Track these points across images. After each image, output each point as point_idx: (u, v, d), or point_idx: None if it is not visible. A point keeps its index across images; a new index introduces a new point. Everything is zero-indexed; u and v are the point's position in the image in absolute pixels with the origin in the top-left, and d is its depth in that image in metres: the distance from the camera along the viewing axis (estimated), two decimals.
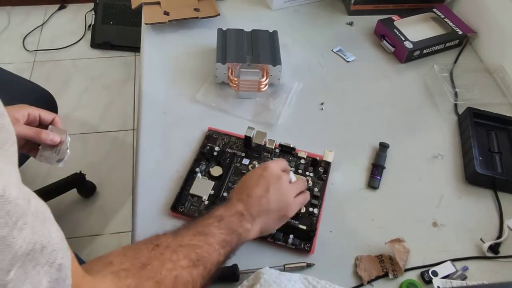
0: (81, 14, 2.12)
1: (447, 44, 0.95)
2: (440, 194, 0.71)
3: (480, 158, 0.73)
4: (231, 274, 0.58)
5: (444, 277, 0.60)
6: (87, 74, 1.87)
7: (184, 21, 0.96)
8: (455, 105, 0.84)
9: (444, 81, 0.87)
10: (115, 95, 1.80)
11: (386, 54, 0.95)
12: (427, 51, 0.93)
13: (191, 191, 0.67)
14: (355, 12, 1.04)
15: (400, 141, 0.77)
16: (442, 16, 0.99)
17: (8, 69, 1.14)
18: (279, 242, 0.62)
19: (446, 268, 0.61)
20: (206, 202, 0.66)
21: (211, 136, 0.75)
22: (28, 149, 0.65)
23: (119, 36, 1.96)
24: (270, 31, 0.90)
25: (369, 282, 0.59)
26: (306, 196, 0.62)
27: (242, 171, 0.70)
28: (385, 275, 0.60)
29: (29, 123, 0.65)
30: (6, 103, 0.34)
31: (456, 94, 0.86)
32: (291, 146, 0.72)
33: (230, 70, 0.81)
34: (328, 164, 0.70)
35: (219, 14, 0.98)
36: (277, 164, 0.60)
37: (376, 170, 0.72)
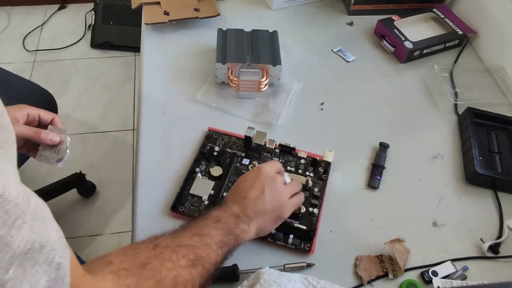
0: (81, 14, 2.13)
1: (447, 44, 0.95)
2: (440, 194, 0.71)
3: (480, 158, 0.73)
4: (231, 274, 0.58)
5: (444, 277, 0.60)
6: (87, 74, 1.87)
7: (184, 21, 0.97)
8: (455, 105, 0.84)
9: (444, 81, 0.87)
10: (115, 95, 1.80)
11: (386, 54, 0.95)
12: (427, 51, 0.93)
13: (191, 191, 0.67)
14: (355, 12, 1.04)
15: (400, 141, 0.77)
16: (442, 16, 0.99)
17: (8, 69, 1.14)
18: (279, 242, 0.62)
19: (446, 268, 0.61)
20: (206, 202, 0.66)
21: (211, 136, 0.75)
22: (27, 149, 0.65)
23: (119, 36, 1.96)
24: (270, 31, 0.90)
25: (369, 282, 0.59)
26: (301, 197, 0.63)
27: (242, 171, 0.70)
28: (385, 275, 0.60)
29: (28, 123, 0.65)
30: (6, 103, 0.34)
31: (456, 94, 0.85)
32: (291, 146, 0.72)
33: (230, 70, 0.81)
34: (328, 164, 0.70)
35: (219, 14, 0.98)
36: (272, 166, 0.60)
37: (376, 170, 0.72)
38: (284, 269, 0.60)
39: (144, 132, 0.76)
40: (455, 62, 0.94)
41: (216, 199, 0.66)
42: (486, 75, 0.91)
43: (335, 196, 0.69)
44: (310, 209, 0.65)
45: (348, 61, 0.93)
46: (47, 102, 1.10)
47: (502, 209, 0.69)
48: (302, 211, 0.64)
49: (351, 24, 1.03)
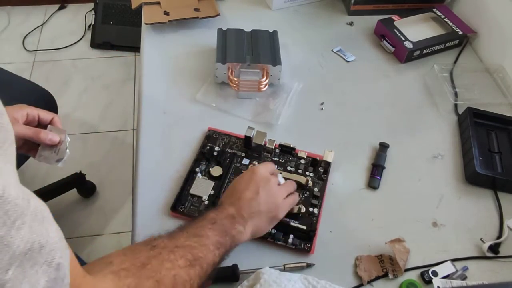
0: (81, 14, 2.12)
1: (447, 44, 0.95)
2: (440, 194, 0.71)
3: (480, 158, 0.73)
4: (231, 274, 0.58)
5: (444, 277, 0.60)
6: (87, 74, 1.87)
7: (184, 21, 0.96)
8: (455, 105, 0.84)
9: (444, 81, 0.87)
10: (115, 95, 1.80)
11: (386, 54, 0.95)
12: (427, 51, 0.93)
13: (191, 191, 0.67)
14: (355, 12, 1.04)
15: (400, 141, 0.77)
16: (442, 16, 0.99)
17: (8, 69, 1.14)
18: (279, 242, 0.62)
19: (446, 268, 0.61)
20: (206, 202, 0.66)
21: (211, 136, 0.75)
22: (27, 149, 0.65)
23: (119, 36, 1.96)
24: (270, 31, 0.90)
25: (369, 282, 0.59)
26: (295, 197, 0.63)
27: (242, 171, 0.70)
28: (385, 275, 0.60)
29: (28, 123, 0.65)
30: (6, 103, 0.34)
31: (456, 94, 0.85)
32: (291, 146, 0.72)
33: (230, 70, 0.81)
34: (328, 164, 0.70)
35: (219, 14, 0.98)
36: (265, 167, 0.61)
37: (376, 170, 0.72)
38: (284, 269, 0.60)
39: (144, 132, 0.76)
40: (455, 62, 0.94)
41: (216, 199, 0.66)
42: (486, 75, 0.91)
43: (335, 196, 0.69)
44: (310, 209, 0.65)
45: (348, 61, 0.93)
46: (47, 102, 1.10)
47: (502, 209, 0.69)
48: (302, 211, 0.64)
49: (351, 24, 1.03)
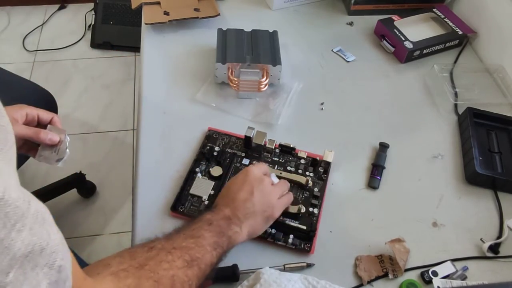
0: (81, 14, 2.12)
1: (447, 44, 0.95)
2: (440, 194, 0.71)
3: (480, 158, 0.73)
4: (231, 274, 0.58)
5: (444, 277, 0.60)
6: (87, 74, 1.87)
7: (184, 21, 0.96)
8: (455, 105, 0.84)
9: (444, 81, 0.87)
10: (115, 95, 1.80)
11: (386, 54, 0.95)
12: (427, 51, 0.93)
13: (191, 191, 0.67)
14: (355, 12, 1.04)
15: (400, 141, 0.77)
16: (442, 16, 0.99)
17: (8, 69, 1.14)
18: (279, 242, 0.62)
19: (446, 268, 0.61)
20: (206, 202, 0.66)
21: (211, 136, 0.75)
22: (27, 149, 0.65)
23: (119, 36, 1.96)
24: (270, 31, 0.90)
25: (369, 282, 0.59)
26: (290, 196, 0.63)
27: None
28: (385, 275, 0.60)
29: (27, 123, 0.65)
30: (6, 103, 0.34)
31: (456, 94, 0.85)
32: (291, 146, 0.72)
33: (230, 70, 0.81)
34: (328, 164, 0.70)
35: (219, 14, 0.98)
36: (259, 168, 0.61)
37: (376, 170, 0.72)
38: (284, 269, 0.60)
39: (144, 132, 0.76)
40: (455, 62, 0.94)
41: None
42: (486, 75, 0.91)
43: (335, 196, 0.69)
44: (310, 209, 0.66)
45: (348, 61, 0.93)
46: (47, 102, 1.10)
47: (502, 209, 0.69)
48: (302, 211, 0.64)
49: (351, 24, 1.03)
